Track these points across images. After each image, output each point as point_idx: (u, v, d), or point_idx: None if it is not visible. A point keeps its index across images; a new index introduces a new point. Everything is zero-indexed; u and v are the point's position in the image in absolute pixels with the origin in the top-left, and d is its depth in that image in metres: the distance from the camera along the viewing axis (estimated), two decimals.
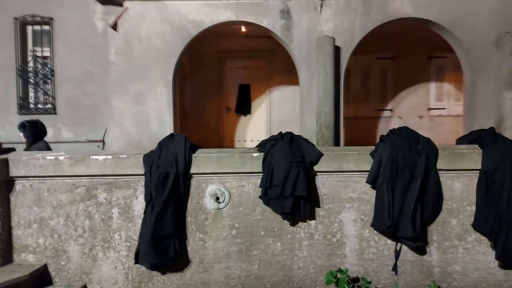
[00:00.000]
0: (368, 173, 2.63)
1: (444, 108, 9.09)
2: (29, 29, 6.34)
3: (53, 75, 6.25)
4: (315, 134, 5.82)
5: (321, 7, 6.11)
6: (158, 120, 6.06)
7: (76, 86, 6.25)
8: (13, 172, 2.65)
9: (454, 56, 7.05)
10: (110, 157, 2.68)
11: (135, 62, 6.02)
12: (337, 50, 6.00)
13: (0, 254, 2.61)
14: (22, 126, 3.68)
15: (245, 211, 2.73)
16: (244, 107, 9.54)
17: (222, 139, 9.55)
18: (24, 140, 3.80)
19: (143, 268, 2.69)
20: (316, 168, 2.67)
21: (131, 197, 2.72)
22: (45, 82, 6.31)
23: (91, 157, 2.68)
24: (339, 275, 2.48)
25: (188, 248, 2.71)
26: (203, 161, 2.70)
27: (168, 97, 6.10)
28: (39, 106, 6.28)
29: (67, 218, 2.70)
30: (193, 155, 2.70)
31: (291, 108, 9.04)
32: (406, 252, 2.66)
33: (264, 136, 9.47)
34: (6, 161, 2.62)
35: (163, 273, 2.70)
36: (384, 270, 2.67)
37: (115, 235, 2.71)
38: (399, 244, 2.62)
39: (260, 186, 2.64)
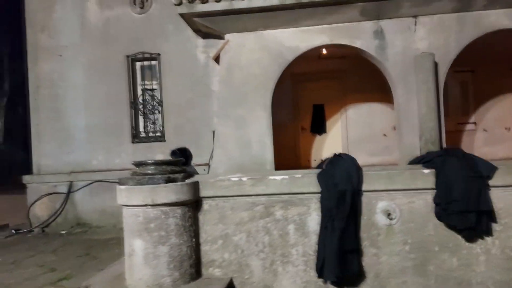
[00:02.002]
0: None
1: None
2: (138, 65, 7.00)
3: (161, 106, 6.82)
4: (419, 150, 5.80)
5: (415, 25, 6.20)
6: (259, 143, 6.36)
7: (180, 114, 6.76)
8: (202, 193, 2.95)
9: None
10: (286, 177, 2.91)
11: (236, 89, 6.42)
12: (435, 66, 6.02)
13: (193, 269, 2.88)
14: (174, 153, 4.08)
15: (417, 227, 2.80)
16: (319, 127, 9.71)
17: (298, 159, 9.70)
18: None
19: (320, 282, 2.84)
20: (489, 182, 2.71)
21: (305, 214, 2.91)
22: (153, 112, 6.89)
23: (270, 177, 2.93)
24: None
25: (363, 263, 2.83)
26: (373, 178, 2.84)
27: (267, 121, 6.39)
28: (150, 134, 6.84)
29: (249, 234, 2.94)
30: (363, 172, 2.85)
31: (367, 126, 9.10)
32: None
33: None
34: (197, 183, 2.93)
35: (340, 287, 2.83)
36: None
37: (293, 250, 2.90)
38: None
39: (435, 202, 2.72)
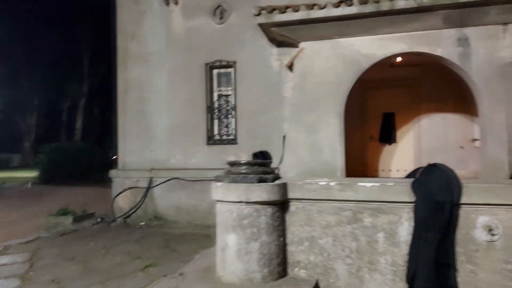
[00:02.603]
0: None
1: None
2: (215, 72, 7.39)
3: (234, 110, 7.11)
4: (506, 165, 5.39)
5: (504, 32, 5.80)
6: (330, 149, 6.34)
7: (252, 119, 6.99)
8: (290, 194, 3.05)
9: None
10: (377, 184, 2.90)
11: (309, 95, 6.49)
12: None
13: (281, 268, 2.98)
14: (256, 156, 4.29)
15: None
16: (388, 136, 9.37)
17: (366, 168, 9.45)
18: None
19: None
20: None
21: (396, 223, 2.87)
22: (227, 117, 7.22)
23: (359, 183, 2.94)
24: None
25: (458, 279, 2.71)
26: (473, 191, 2.71)
27: (339, 127, 6.36)
28: (223, 137, 7.17)
29: (335, 238, 2.97)
30: (463, 185, 2.74)
31: (442, 136, 8.63)
32: None
33: (411, 166, 9.10)
34: (285, 185, 3.03)
35: None
36: None
37: (381, 259, 2.87)
38: None
39: None
